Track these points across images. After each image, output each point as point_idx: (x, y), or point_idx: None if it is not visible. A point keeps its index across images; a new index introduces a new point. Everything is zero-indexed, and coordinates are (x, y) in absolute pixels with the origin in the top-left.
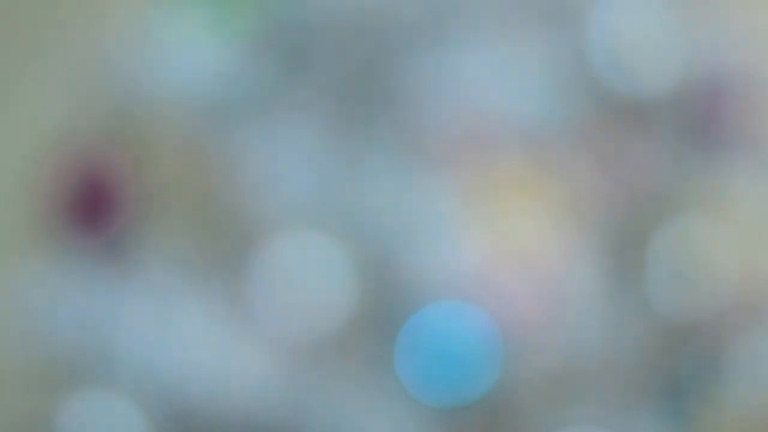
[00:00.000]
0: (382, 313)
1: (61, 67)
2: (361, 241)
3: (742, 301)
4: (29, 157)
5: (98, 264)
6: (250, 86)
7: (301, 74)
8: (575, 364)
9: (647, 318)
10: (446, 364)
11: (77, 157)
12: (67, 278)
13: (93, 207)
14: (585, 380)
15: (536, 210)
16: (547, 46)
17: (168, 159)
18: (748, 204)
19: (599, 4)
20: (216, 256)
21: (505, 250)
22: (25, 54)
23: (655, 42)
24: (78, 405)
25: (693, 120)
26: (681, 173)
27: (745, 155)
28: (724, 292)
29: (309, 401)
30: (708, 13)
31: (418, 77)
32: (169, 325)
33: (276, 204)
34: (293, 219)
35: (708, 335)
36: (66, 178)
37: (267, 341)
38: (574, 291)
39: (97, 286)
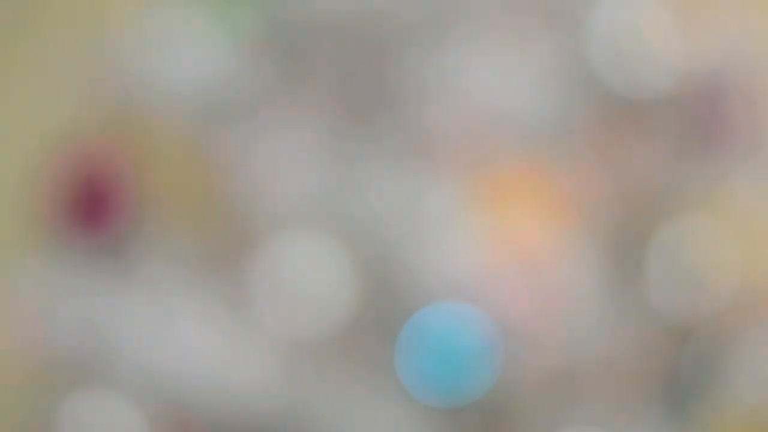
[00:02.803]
0: (382, 313)
1: (62, 67)
2: (361, 241)
3: (741, 301)
4: (29, 157)
5: (98, 264)
6: (251, 86)
7: (301, 74)
8: (575, 364)
9: (647, 318)
10: (446, 364)
11: (77, 157)
12: (67, 278)
13: (93, 207)
14: (585, 380)
15: (536, 210)
16: (548, 46)
17: (168, 159)
18: (748, 204)
19: (599, 4)
20: (216, 255)
21: (505, 250)
22: (26, 54)
23: (655, 42)
24: (78, 405)
25: (693, 120)
26: (681, 173)
27: (745, 155)
28: (724, 292)
29: (309, 401)
30: (708, 12)
31: (418, 77)
32: (169, 325)
33: (276, 204)
34: (293, 219)
35: (708, 335)
36: (66, 178)
37: (267, 341)
38: (573, 291)
39: (97, 286)
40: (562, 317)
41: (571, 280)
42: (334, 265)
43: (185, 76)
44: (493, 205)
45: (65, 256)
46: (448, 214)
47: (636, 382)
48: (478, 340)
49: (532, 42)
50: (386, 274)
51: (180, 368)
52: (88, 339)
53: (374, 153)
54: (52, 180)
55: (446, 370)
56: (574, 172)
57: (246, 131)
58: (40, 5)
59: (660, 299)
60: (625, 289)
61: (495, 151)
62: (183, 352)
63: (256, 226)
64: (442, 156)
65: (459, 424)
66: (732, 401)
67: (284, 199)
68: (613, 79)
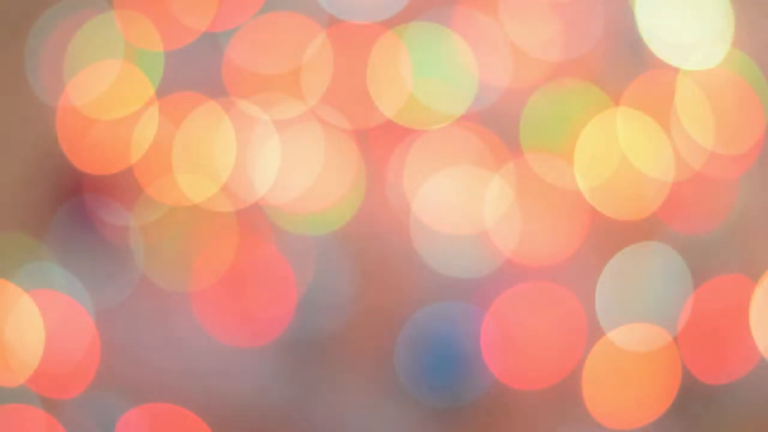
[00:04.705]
0: (382, 313)
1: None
2: (361, 240)
3: (740, 301)
4: (28, 156)
5: (98, 264)
6: (249, 84)
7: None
8: (575, 364)
9: (646, 317)
10: (446, 364)
11: (77, 156)
12: (66, 278)
13: (92, 207)
14: (584, 380)
15: (536, 209)
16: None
17: (167, 158)
18: (747, 204)
19: (602, 3)
20: (215, 255)
21: (504, 250)
22: (25, 53)
23: (656, 41)
24: (78, 405)
25: (692, 118)
26: (681, 171)
27: (745, 154)
28: (723, 291)
29: (309, 401)
30: (710, 11)
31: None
32: (168, 325)
33: (277, 203)
34: (294, 218)
35: (707, 334)
36: (65, 178)
37: (267, 341)
38: (573, 290)
39: (97, 285)
40: (561, 316)
41: (570, 280)
42: (334, 264)
43: (184, 74)
44: (492, 204)
45: (65, 256)
46: (447, 213)
47: (634, 382)
48: (478, 340)
49: (534, 40)
50: (386, 274)
51: (180, 368)
52: (89, 339)
53: (374, 153)
54: (51, 180)
55: (446, 370)
56: (573, 170)
57: (246, 129)
58: (41, 3)
59: (659, 299)
60: (624, 288)
61: (495, 149)
62: (183, 352)
63: (257, 225)
64: (442, 154)
65: (459, 424)
66: (732, 402)
67: (285, 198)
68: (613, 77)
